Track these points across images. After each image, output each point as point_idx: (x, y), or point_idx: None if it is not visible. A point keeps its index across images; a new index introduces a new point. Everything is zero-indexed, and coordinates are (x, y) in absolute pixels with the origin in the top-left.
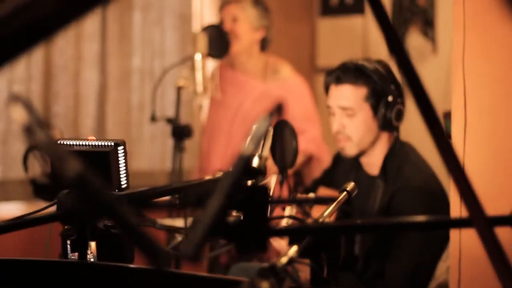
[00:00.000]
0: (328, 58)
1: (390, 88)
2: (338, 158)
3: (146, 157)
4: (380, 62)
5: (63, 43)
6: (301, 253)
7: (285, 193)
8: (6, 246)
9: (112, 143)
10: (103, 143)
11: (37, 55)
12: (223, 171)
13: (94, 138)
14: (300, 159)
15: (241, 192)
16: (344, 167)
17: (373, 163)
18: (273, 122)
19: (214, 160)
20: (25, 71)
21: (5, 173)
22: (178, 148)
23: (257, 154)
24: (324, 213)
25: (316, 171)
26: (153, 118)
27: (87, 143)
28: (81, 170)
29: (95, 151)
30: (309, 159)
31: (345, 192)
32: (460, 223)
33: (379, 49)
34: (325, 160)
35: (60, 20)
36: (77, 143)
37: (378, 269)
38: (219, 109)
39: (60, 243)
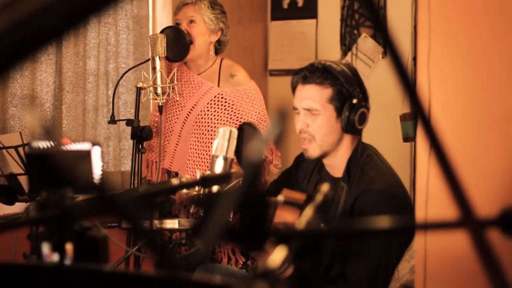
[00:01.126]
0: (279, 62)
1: (355, 91)
2: (300, 160)
3: (102, 160)
4: (347, 64)
5: None
6: (290, 256)
7: None
8: None
9: (89, 146)
10: (78, 147)
11: None
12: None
13: (70, 141)
14: None
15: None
16: (305, 168)
17: (336, 165)
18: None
19: (165, 160)
20: None
21: None
22: (138, 149)
23: (221, 156)
24: (305, 216)
25: (265, 174)
26: (113, 120)
27: (61, 147)
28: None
29: (71, 154)
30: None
31: (321, 195)
32: (427, 226)
33: (329, 53)
34: (274, 165)
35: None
36: (51, 147)
37: (341, 271)
38: (173, 109)
39: (29, 245)
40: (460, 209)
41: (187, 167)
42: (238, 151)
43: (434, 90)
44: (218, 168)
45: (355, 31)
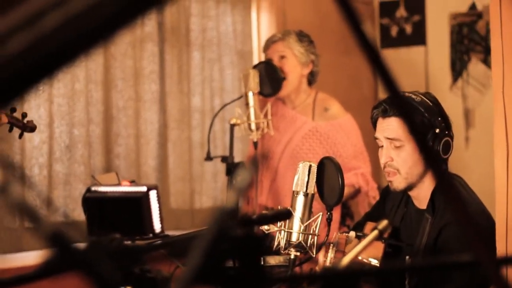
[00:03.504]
0: None
1: (437, 120)
2: (387, 192)
3: (209, 195)
4: (427, 94)
5: (122, 84)
6: None
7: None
8: None
9: (145, 188)
10: (135, 189)
11: (96, 98)
12: (269, 209)
13: (129, 183)
14: (348, 190)
15: (229, 243)
16: (393, 201)
17: (421, 197)
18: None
19: (262, 196)
20: (85, 114)
21: (67, 215)
22: (232, 186)
23: (302, 192)
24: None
25: (362, 205)
26: (209, 157)
27: (119, 189)
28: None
29: (127, 197)
30: (357, 193)
31: (376, 231)
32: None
33: (440, 79)
34: (371, 196)
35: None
36: (110, 190)
37: None
38: (269, 144)
39: None
40: None
41: (283, 202)
42: (320, 186)
43: (510, 116)
44: (299, 204)
45: (465, 57)
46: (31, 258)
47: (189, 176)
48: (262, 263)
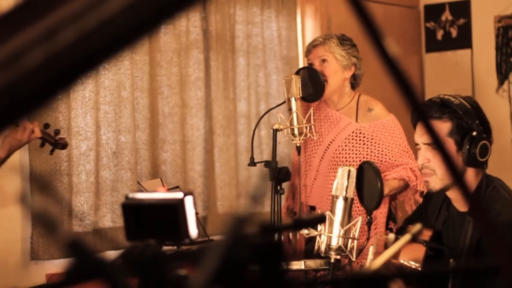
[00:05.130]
0: (436, 94)
1: (475, 123)
2: (429, 197)
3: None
4: (467, 98)
5: (168, 91)
6: None
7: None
8: None
9: (181, 195)
10: (171, 195)
11: (142, 105)
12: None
13: (165, 189)
14: (398, 183)
15: (247, 249)
16: (434, 205)
17: (461, 199)
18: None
19: (303, 194)
20: (131, 121)
21: (114, 221)
22: (276, 191)
23: (341, 196)
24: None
25: (410, 201)
26: (253, 163)
27: (156, 196)
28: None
29: (163, 204)
30: (406, 186)
31: (408, 235)
32: None
33: (486, 82)
34: (419, 192)
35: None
36: (147, 196)
37: None
38: (311, 145)
39: None
40: None
41: (326, 202)
42: (359, 190)
43: None
44: (339, 208)
45: (511, 59)
46: None
47: (235, 181)
48: (282, 268)
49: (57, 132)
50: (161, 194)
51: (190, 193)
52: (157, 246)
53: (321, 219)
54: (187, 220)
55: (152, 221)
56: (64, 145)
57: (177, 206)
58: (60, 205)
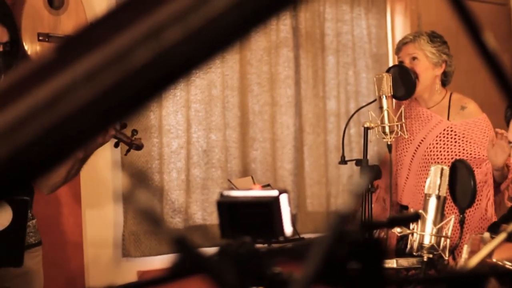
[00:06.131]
0: None
1: None
2: None
3: (344, 197)
4: None
5: (258, 89)
6: None
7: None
8: None
9: (276, 192)
10: (266, 193)
11: (233, 103)
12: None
13: (259, 187)
14: (503, 172)
15: (348, 246)
16: None
17: None
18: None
19: (396, 194)
20: (222, 119)
21: (205, 218)
22: (367, 188)
23: (434, 195)
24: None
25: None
26: (343, 161)
27: (250, 194)
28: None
29: (258, 201)
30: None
31: (504, 233)
32: None
33: None
34: None
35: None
36: (241, 194)
37: None
38: (403, 144)
39: None
40: None
41: (418, 201)
42: (452, 188)
43: None
44: (431, 207)
45: None
46: (170, 261)
47: (325, 179)
48: (383, 266)
49: (134, 132)
50: (256, 192)
51: (285, 191)
52: (252, 243)
53: (416, 217)
54: (282, 217)
55: (246, 219)
56: (139, 146)
57: (272, 204)
58: (158, 200)
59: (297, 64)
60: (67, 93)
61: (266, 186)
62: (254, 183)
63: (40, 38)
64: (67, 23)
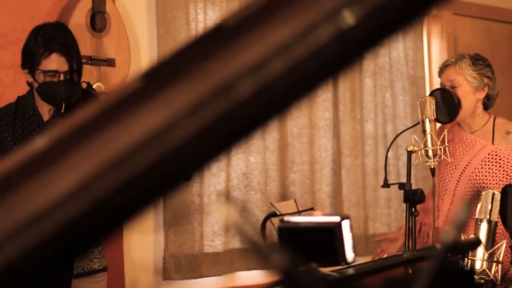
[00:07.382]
0: None
1: None
2: None
3: (382, 221)
4: None
5: (297, 112)
6: None
7: None
8: None
9: (338, 218)
10: (328, 219)
11: (272, 126)
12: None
13: (321, 213)
14: None
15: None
16: None
17: None
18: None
19: (439, 219)
20: (261, 141)
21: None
22: (411, 213)
23: (485, 220)
24: None
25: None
26: (386, 184)
27: (312, 220)
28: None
29: (320, 227)
30: None
31: None
32: None
33: None
34: None
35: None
36: (302, 220)
37: None
38: (446, 169)
39: None
40: None
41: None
42: (503, 213)
43: None
44: (482, 231)
45: None
46: (210, 284)
47: (362, 202)
48: None
49: None
50: (317, 218)
51: (347, 217)
52: (318, 270)
53: (477, 243)
54: (344, 243)
55: (308, 244)
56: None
57: (335, 230)
58: (198, 223)
59: (335, 86)
60: (175, 126)
61: (309, 210)
62: (297, 206)
63: (83, 61)
64: (109, 46)
